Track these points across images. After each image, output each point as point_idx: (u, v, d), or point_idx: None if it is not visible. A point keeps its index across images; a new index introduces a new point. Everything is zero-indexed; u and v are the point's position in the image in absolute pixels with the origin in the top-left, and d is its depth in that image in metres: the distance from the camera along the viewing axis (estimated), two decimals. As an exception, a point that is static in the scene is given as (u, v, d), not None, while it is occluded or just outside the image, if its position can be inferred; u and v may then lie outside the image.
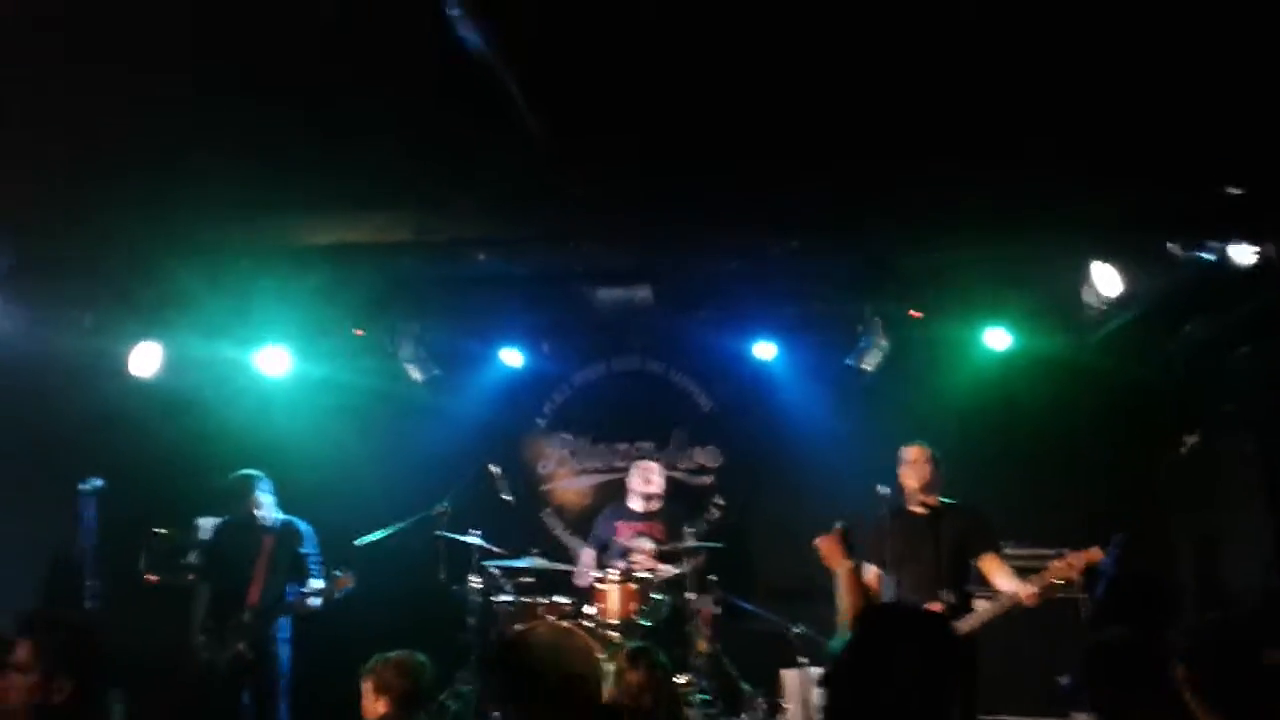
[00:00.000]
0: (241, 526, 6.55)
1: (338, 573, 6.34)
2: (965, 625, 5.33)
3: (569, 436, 8.22)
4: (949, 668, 2.22)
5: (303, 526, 6.59)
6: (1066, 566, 5.35)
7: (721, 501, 8.00)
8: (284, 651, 6.37)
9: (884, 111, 4.96)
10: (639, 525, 7.10)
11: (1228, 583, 6.81)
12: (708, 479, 8.04)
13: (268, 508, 6.54)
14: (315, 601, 6.33)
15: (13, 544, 6.56)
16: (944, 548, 5.61)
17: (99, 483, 5.97)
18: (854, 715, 2.17)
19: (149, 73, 4.56)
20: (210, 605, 6.46)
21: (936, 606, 5.44)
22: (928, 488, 5.75)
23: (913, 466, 5.77)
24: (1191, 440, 6.84)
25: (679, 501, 7.47)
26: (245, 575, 6.37)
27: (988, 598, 5.50)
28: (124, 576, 6.47)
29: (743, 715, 6.62)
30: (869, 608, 2.36)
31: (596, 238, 5.93)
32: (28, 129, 4.83)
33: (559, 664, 6.21)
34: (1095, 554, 5.33)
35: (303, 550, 6.50)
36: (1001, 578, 5.46)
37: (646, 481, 7.16)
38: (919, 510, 5.78)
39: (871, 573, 5.83)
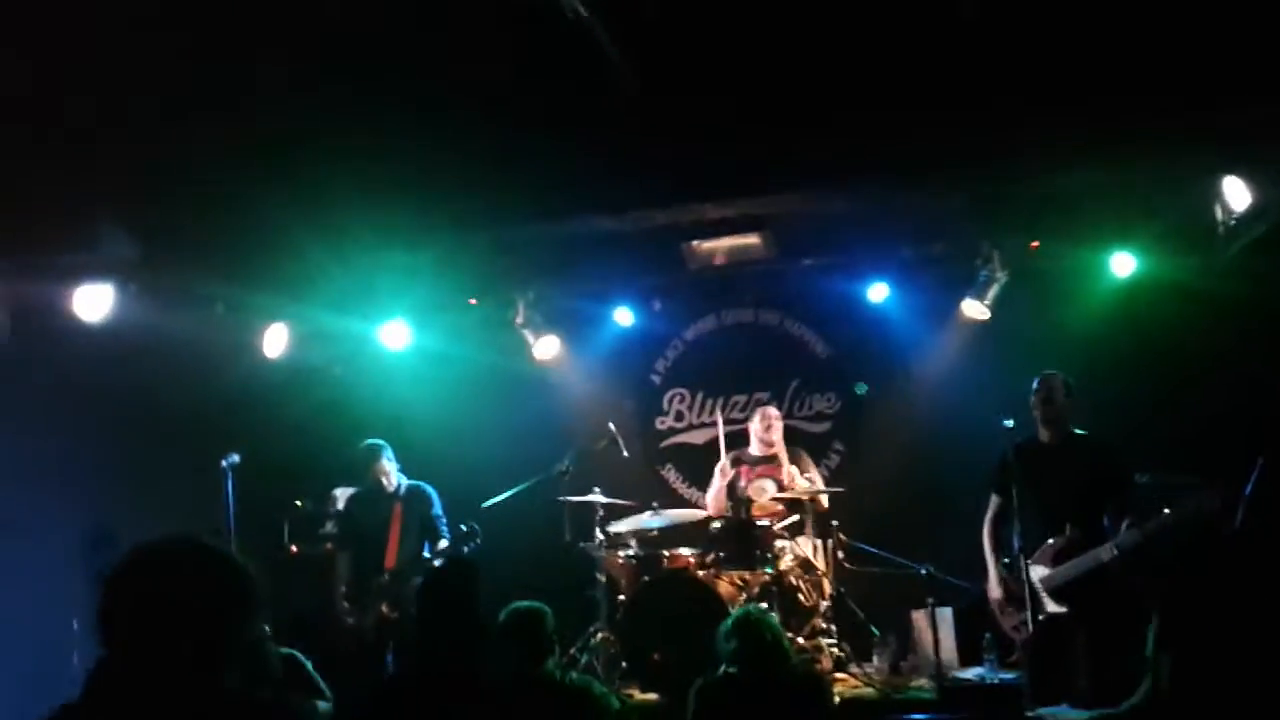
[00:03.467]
0: (371, 495, 6.79)
1: (464, 529, 6.51)
2: (1050, 582, 5.30)
3: (685, 392, 8.22)
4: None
5: (428, 490, 6.79)
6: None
7: (841, 447, 7.94)
8: (424, 613, 6.56)
9: (986, 33, 4.83)
10: (760, 469, 7.06)
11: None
12: (826, 425, 7.97)
13: (393, 475, 6.76)
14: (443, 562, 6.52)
15: (159, 523, 6.84)
16: (1072, 480, 5.47)
17: (236, 458, 6.18)
18: None
19: (271, 60, 4.73)
20: (350, 573, 6.70)
21: (1061, 539, 5.37)
22: (1059, 418, 5.60)
23: (1044, 396, 5.63)
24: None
25: (798, 448, 7.42)
26: (380, 541, 6.60)
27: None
28: (264, 549, 6.73)
29: (873, 657, 6.61)
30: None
31: (702, 189, 5.92)
32: (151, 118, 5.04)
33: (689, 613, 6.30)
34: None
35: (433, 512, 6.72)
36: (1117, 520, 5.31)
37: (766, 427, 7.09)
38: (1049, 441, 5.65)
39: (993, 504, 5.75)
